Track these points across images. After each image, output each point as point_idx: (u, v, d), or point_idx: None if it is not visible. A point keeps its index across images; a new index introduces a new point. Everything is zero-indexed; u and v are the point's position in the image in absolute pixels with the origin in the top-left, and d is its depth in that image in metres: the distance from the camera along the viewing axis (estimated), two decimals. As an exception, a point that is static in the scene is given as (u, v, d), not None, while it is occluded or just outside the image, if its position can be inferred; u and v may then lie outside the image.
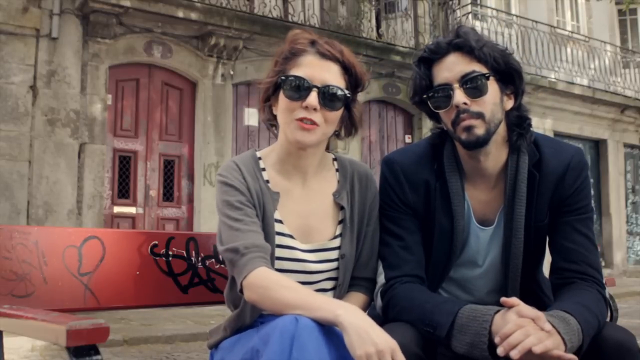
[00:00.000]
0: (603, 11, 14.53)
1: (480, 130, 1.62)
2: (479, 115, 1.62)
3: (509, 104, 1.70)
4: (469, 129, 1.61)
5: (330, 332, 1.38)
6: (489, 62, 1.63)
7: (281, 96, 1.65)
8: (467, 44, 1.63)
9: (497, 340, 1.40)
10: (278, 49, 1.72)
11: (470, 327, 1.46)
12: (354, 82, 1.69)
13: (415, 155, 1.77)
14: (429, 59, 1.69)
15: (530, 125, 1.71)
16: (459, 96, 1.61)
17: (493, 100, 1.64)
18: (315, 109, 1.60)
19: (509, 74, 1.67)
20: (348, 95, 1.66)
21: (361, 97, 1.79)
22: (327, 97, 1.61)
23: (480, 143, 1.63)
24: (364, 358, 1.31)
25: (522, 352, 1.34)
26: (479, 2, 12.52)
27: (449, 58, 1.66)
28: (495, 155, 1.70)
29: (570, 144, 1.82)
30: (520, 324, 1.39)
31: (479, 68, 1.63)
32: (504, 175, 1.71)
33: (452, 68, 1.64)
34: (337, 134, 1.75)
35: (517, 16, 12.80)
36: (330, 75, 1.63)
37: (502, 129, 1.69)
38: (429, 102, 1.69)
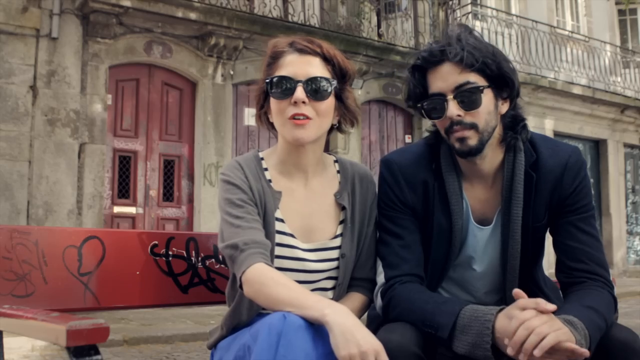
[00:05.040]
0: (603, 11, 14.53)
1: (473, 141, 1.61)
2: (472, 126, 1.61)
3: (504, 108, 1.69)
4: (462, 140, 1.61)
5: (319, 330, 1.39)
6: (483, 71, 1.62)
7: (271, 99, 1.68)
8: (460, 54, 1.60)
9: (505, 342, 1.39)
10: (263, 59, 1.76)
11: (472, 327, 1.46)
12: (339, 72, 1.70)
13: (413, 155, 1.77)
14: (423, 66, 1.68)
15: (525, 125, 1.70)
16: (453, 108, 1.60)
17: (487, 110, 1.62)
18: (304, 102, 1.62)
19: (503, 80, 1.65)
20: (333, 84, 1.67)
21: (361, 97, 1.80)
22: (314, 89, 1.64)
23: (473, 153, 1.63)
24: (347, 359, 1.31)
25: (530, 349, 1.34)
26: (479, 2, 12.51)
27: (443, 67, 1.63)
28: (491, 157, 1.69)
29: (567, 143, 1.81)
30: (524, 318, 1.38)
31: (474, 78, 1.61)
32: (502, 174, 1.71)
33: (446, 78, 1.62)
34: (338, 128, 1.77)
35: (517, 16, 12.79)
36: (313, 68, 1.66)
37: (497, 132, 1.68)
38: (422, 111, 1.68)
